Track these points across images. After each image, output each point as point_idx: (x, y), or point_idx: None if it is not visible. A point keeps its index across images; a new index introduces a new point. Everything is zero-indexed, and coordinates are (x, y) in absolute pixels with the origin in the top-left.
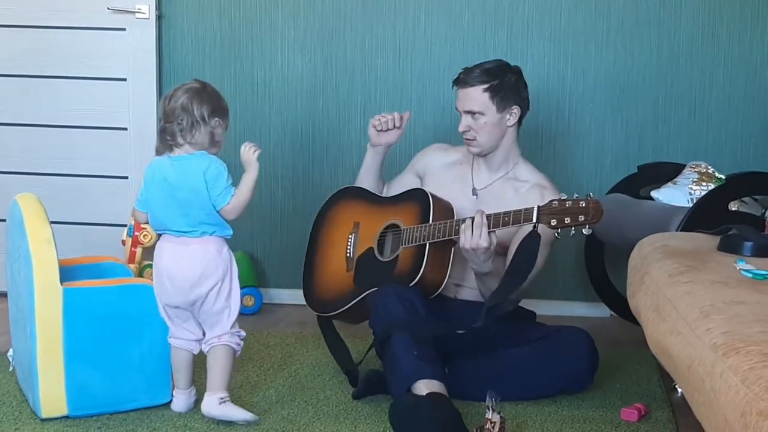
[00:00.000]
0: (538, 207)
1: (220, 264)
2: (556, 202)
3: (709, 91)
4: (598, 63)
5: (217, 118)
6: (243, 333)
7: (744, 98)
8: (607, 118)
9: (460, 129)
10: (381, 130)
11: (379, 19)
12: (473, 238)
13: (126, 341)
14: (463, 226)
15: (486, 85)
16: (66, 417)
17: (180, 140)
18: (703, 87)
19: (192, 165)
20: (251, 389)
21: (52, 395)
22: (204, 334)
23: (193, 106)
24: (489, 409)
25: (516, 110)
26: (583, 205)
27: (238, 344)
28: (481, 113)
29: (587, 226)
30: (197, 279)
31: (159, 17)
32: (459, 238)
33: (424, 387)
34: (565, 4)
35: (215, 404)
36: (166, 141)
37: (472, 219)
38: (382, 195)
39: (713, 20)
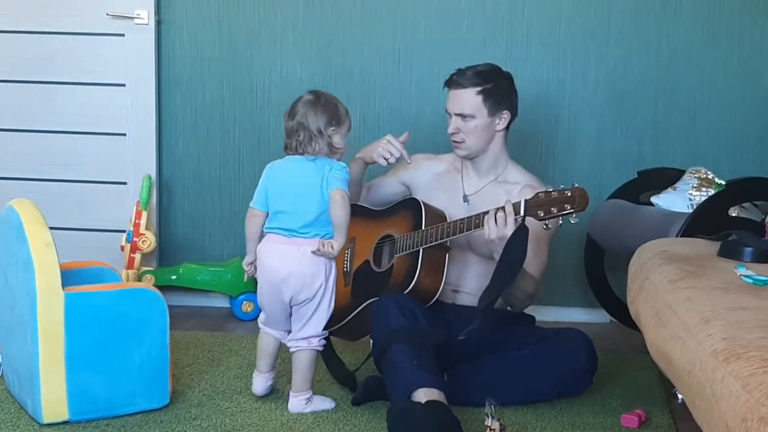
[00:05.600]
0: (526, 200)
1: (323, 266)
2: (542, 193)
3: (709, 96)
4: (597, 69)
5: (333, 128)
6: (326, 332)
7: (743, 103)
8: (607, 123)
9: (449, 130)
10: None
11: (378, 26)
12: (498, 228)
13: (126, 345)
14: (486, 216)
15: (479, 88)
16: (66, 422)
17: (301, 152)
18: (702, 93)
19: (314, 167)
20: (250, 394)
21: (53, 400)
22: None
23: (308, 122)
24: (488, 416)
25: (506, 115)
26: (569, 194)
27: (322, 345)
28: (472, 116)
29: (574, 215)
30: (307, 279)
31: (158, 23)
32: (483, 229)
33: (423, 395)
34: (564, 10)
35: (302, 404)
36: (289, 154)
37: (496, 210)
38: (362, 198)
39: (712, 26)
